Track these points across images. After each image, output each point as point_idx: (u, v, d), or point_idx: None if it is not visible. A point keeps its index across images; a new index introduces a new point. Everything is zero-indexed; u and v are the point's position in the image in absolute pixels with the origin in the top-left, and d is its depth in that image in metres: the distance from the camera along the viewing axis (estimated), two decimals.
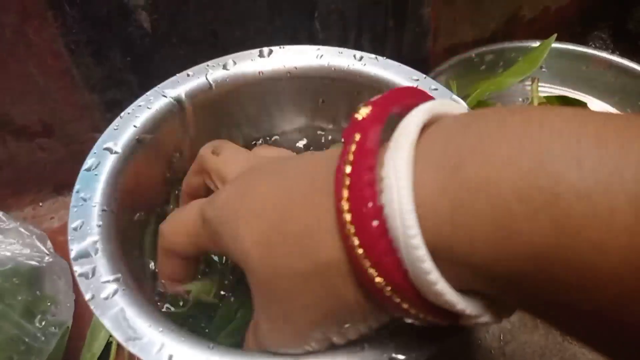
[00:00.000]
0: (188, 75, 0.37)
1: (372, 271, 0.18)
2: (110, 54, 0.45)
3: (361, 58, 0.38)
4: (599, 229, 0.14)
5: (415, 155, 0.18)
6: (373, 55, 0.38)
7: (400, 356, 0.24)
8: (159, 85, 0.36)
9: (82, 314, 0.43)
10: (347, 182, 0.18)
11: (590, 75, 0.60)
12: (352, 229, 0.18)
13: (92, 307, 0.25)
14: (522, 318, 0.43)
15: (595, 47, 0.68)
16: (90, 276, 0.26)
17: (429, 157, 0.18)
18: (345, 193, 0.18)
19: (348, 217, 0.18)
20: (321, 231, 0.20)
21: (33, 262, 0.42)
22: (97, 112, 0.49)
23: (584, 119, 0.15)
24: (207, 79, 0.37)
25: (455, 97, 0.35)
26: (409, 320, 0.21)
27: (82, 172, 0.31)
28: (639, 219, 0.13)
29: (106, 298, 0.26)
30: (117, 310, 0.25)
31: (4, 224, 0.43)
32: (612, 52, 0.66)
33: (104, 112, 0.49)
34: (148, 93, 0.36)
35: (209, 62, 0.38)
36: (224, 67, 0.38)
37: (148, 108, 0.35)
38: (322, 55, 0.38)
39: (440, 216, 0.17)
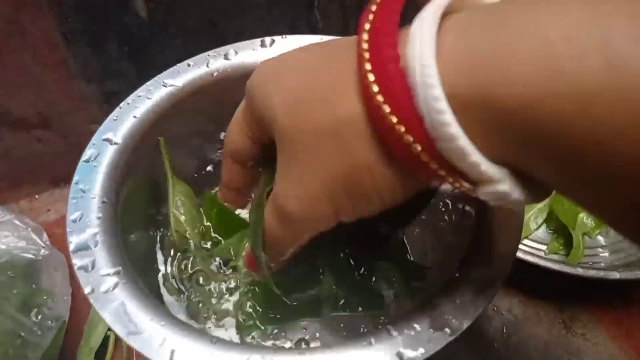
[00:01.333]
0: (189, 65, 0.36)
1: (392, 118, 0.18)
2: (107, 44, 0.45)
3: None
4: None
5: (453, 18, 0.18)
6: None
7: (407, 351, 0.24)
8: (159, 75, 0.35)
9: (80, 307, 0.43)
10: (366, 36, 0.19)
11: None
12: (372, 77, 0.18)
13: (91, 300, 0.25)
14: (526, 312, 0.43)
15: None
16: (90, 269, 0.26)
17: (472, 18, 0.18)
18: (365, 45, 0.18)
19: (368, 66, 0.18)
20: (343, 88, 0.20)
21: (29, 255, 0.42)
22: (94, 103, 0.48)
23: None
24: (208, 68, 0.36)
25: None
26: (432, 184, 0.21)
27: (81, 164, 0.30)
28: None
29: (106, 291, 0.25)
30: (117, 304, 0.25)
31: None
32: None
33: (101, 103, 0.48)
34: (148, 83, 0.35)
35: (210, 52, 0.37)
36: (225, 57, 0.37)
37: (148, 98, 0.34)
38: None
39: (477, 63, 0.17)
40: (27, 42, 0.42)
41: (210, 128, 0.39)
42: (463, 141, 0.17)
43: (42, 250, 0.42)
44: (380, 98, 0.18)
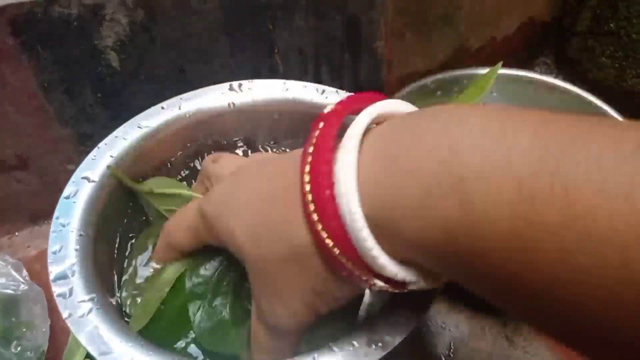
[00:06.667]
0: (162, 108, 0.40)
1: (334, 248, 0.23)
2: (82, 91, 0.48)
3: (323, 91, 0.41)
4: (489, 203, 0.18)
5: (364, 149, 0.23)
6: (334, 89, 0.42)
7: None
8: (134, 117, 0.39)
9: (58, 337, 0.45)
10: (307, 178, 0.23)
11: (538, 99, 0.64)
12: (316, 217, 0.23)
13: (69, 324, 0.28)
14: (471, 326, 0.46)
15: (541, 72, 0.73)
16: (68, 296, 0.29)
17: (375, 151, 0.22)
18: (308, 187, 0.23)
19: (312, 206, 0.23)
20: (294, 221, 0.24)
21: (9, 291, 0.44)
22: (70, 145, 0.51)
23: (493, 115, 0.19)
24: (180, 110, 0.40)
25: None
26: (369, 286, 0.25)
27: (61, 200, 0.34)
28: (520, 195, 0.17)
29: (82, 316, 0.29)
30: (91, 327, 0.28)
31: None
32: (556, 76, 0.71)
33: (77, 145, 0.52)
34: (125, 124, 0.38)
35: (182, 95, 0.41)
36: (196, 100, 0.41)
37: (124, 139, 0.37)
38: (287, 89, 0.42)
39: (381, 200, 0.21)
40: (7, 92, 0.45)
41: (181, 166, 0.43)
42: (382, 260, 0.22)
43: (22, 286, 0.45)
44: (319, 226, 0.22)
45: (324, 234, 0.22)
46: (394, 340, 0.28)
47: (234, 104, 0.41)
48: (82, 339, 0.28)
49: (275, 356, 0.30)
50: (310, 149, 0.23)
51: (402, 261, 0.23)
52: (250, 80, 0.43)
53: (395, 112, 0.25)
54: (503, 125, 0.19)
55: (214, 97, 0.41)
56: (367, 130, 0.24)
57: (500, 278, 0.18)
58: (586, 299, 0.16)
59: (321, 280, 0.25)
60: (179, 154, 0.42)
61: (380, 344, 0.28)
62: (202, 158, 0.43)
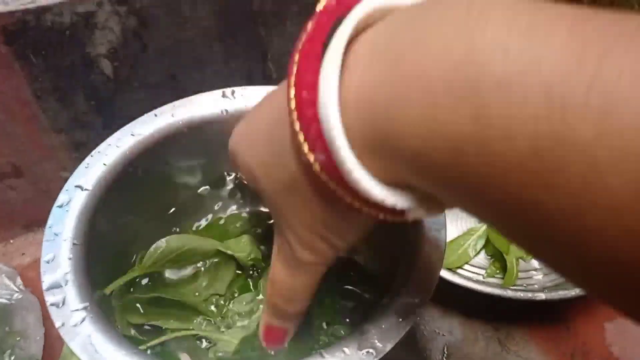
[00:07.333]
0: (155, 115, 0.40)
1: (321, 173, 0.20)
2: (75, 99, 0.48)
3: None
4: (510, 116, 0.14)
5: (359, 49, 0.19)
6: None
7: None
8: (127, 125, 0.39)
9: (53, 346, 0.45)
10: (292, 93, 0.19)
11: None
12: (302, 137, 0.20)
13: (62, 333, 0.28)
14: (464, 331, 0.46)
15: None
16: (61, 305, 0.29)
17: (373, 52, 0.19)
18: (293, 104, 0.20)
19: (297, 126, 0.20)
20: (292, 146, 0.22)
21: (3, 300, 0.44)
22: (64, 152, 0.51)
23: (521, 8, 0.15)
24: (173, 117, 0.40)
25: None
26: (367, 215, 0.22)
27: (54, 209, 0.34)
28: (549, 105, 0.14)
29: (75, 325, 0.29)
30: (84, 336, 0.28)
31: None
32: None
33: (70, 152, 0.52)
34: (117, 133, 0.38)
35: (175, 103, 0.41)
36: (189, 107, 0.41)
37: (117, 147, 0.37)
38: None
39: (376, 109, 0.18)
40: (0, 100, 0.45)
41: (175, 173, 0.43)
42: (357, 174, 0.19)
43: (16, 295, 0.45)
44: (305, 148, 0.20)
45: (311, 157, 0.20)
46: (385, 346, 0.28)
47: (226, 110, 0.41)
48: (75, 347, 0.28)
49: (290, 298, 0.28)
50: (296, 57, 0.19)
51: (398, 185, 0.20)
52: (243, 87, 0.43)
53: (401, 5, 0.20)
54: (533, 19, 0.15)
55: (207, 104, 0.41)
56: (366, 27, 0.20)
57: (512, 204, 0.15)
58: (612, 230, 0.13)
59: (322, 211, 0.22)
60: (171, 162, 0.42)
61: (371, 351, 0.28)
62: None
